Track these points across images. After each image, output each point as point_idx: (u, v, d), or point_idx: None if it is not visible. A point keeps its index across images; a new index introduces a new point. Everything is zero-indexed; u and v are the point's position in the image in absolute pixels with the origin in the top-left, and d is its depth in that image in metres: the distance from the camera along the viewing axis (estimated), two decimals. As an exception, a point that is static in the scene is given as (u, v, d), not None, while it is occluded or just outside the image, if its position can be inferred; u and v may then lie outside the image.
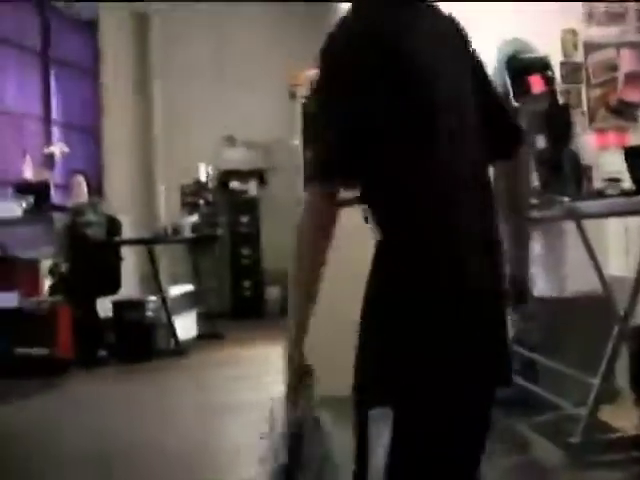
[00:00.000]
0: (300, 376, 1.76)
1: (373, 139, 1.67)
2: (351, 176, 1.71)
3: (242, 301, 10.91)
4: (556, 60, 5.59)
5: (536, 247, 4.44)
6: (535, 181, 4.20)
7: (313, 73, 5.46)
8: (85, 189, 7.97)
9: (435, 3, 1.88)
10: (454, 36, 1.87)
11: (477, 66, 1.90)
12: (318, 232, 1.71)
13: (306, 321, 1.74)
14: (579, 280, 4.42)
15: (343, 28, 1.75)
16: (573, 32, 6.27)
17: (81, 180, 7.98)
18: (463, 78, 1.80)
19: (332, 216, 1.71)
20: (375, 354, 1.69)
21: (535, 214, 3.91)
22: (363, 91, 1.66)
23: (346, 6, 1.81)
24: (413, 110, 1.68)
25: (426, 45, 1.73)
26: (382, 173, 1.69)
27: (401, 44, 1.68)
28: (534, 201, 3.94)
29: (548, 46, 5.50)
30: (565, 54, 6.23)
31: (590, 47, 6.36)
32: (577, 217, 3.85)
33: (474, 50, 1.90)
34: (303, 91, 5.37)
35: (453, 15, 1.91)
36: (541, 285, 4.63)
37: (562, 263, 4.61)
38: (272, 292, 10.80)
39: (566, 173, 4.14)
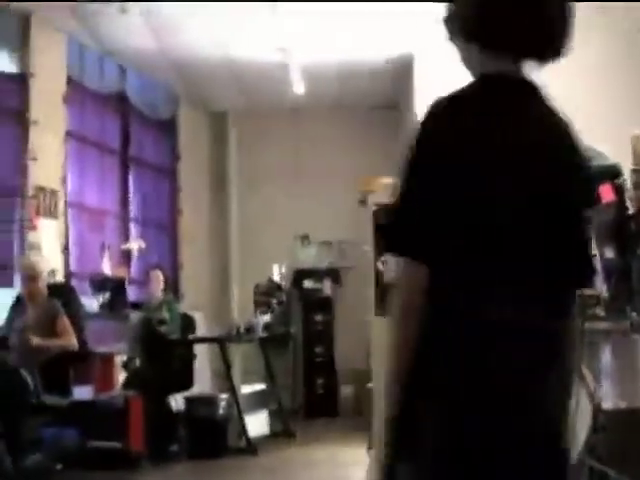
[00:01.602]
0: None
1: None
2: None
3: (315, 399, 10.77)
4: (627, 167, 5.51)
5: (605, 358, 4.32)
6: (603, 292, 4.10)
7: (385, 182, 5.49)
8: (162, 284, 8.05)
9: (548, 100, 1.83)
10: (551, 148, 1.78)
11: (571, 192, 1.81)
12: (411, 304, 1.72)
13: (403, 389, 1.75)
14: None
15: (445, 103, 1.75)
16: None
17: (159, 275, 8.07)
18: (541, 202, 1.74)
19: (422, 288, 1.71)
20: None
21: (604, 326, 3.83)
22: (432, 180, 1.69)
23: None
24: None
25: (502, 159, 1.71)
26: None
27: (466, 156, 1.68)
28: (602, 313, 3.87)
29: (619, 153, 5.42)
30: (636, 161, 6.10)
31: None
32: None
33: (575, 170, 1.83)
34: (375, 198, 5.37)
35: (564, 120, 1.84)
36: (611, 396, 4.48)
37: (634, 374, 4.46)
38: (345, 391, 10.67)
39: (634, 284, 4.04)
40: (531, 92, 1.81)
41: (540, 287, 1.73)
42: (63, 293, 6.68)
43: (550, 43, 1.78)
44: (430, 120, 1.74)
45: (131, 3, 7.75)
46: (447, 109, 1.73)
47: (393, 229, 1.76)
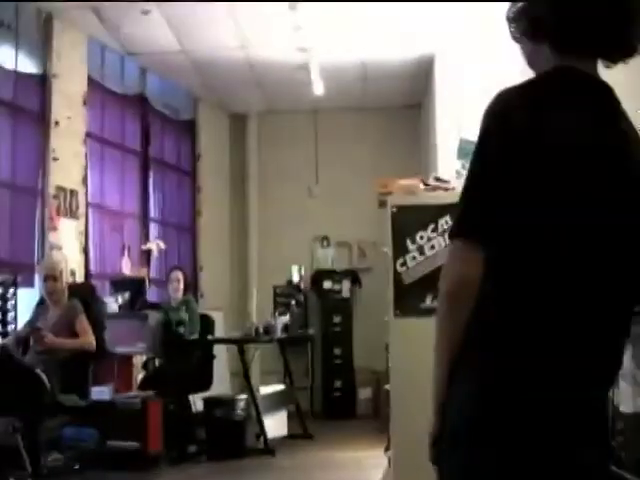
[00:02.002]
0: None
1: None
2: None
3: (333, 401, 10.76)
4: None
5: (625, 362, 4.27)
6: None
7: (404, 183, 5.46)
8: (182, 285, 8.07)
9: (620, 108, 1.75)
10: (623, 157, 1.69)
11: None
12: (463, 285, 1.63)
13: (446, 380, 1.68)
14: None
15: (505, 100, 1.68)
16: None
17: (180, 276, 8.08)
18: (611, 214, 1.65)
19: (475, 275, 1.62)
20: None
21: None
22: (503, 162, 1.62)
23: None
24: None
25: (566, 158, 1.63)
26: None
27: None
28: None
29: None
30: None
31: None
32: None
33: None
34: (393, 200, 5.35)
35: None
36: (630, 400, 4.44)
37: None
38: (364, 392, 10.66)
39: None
40: (606, 91, 1.74)
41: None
42: (84, 293, 6.71)
43: (628, 42, 1.72)
44: (500, 107, 1.66)
45: (152, 4, 7.78)
46: (519, 98, 1.66)
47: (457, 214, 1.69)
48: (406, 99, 10.93)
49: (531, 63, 1.82)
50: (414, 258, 5.15)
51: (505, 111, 1.64)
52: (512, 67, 4.84)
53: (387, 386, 5.39)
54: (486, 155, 1.65)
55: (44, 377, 5.84)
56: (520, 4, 1.78)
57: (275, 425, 8.36)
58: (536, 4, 1.74)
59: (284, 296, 11.07)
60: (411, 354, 4.84)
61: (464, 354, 1.65)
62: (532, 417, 1.57)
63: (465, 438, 1.61)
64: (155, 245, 9.52)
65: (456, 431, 1.63)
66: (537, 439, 1.56)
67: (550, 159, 1.60)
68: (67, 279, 6.74)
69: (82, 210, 8.27)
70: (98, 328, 6.46)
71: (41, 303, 6.66)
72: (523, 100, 1.65)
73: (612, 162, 1.65)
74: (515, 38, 1.82)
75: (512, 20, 1.80)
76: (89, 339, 6.31)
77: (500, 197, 1.60)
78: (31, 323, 6.41)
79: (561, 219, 1.60)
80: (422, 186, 5.40)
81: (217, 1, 7.62)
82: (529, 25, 1.76)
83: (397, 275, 5.17)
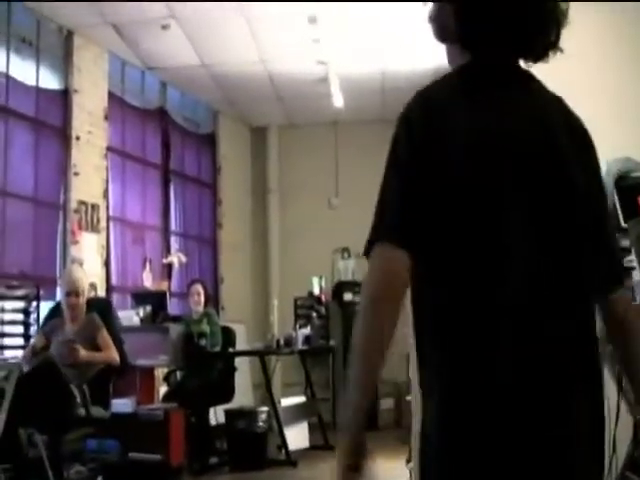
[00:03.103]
0: (355, 458, 1.59)
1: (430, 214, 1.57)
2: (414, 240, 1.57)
3: (355, 413, 10.72)
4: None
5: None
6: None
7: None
8: (203, 298, 8.09)
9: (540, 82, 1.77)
10: (562, 129, 1.69)
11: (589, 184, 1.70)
12: (386, 289, 1.54)
13: (366, 396, 1.59)
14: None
15: (421, 95, 1.67)
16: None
17: (200, 289, 8.11)
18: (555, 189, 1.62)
19: (401, 273, 1.54)
20: None
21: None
22: (415, 164, 1.61)
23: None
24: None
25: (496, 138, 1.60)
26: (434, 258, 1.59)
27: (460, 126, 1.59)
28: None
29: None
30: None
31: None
32: None
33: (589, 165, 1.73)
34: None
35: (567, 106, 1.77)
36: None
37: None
38: (385, 403, 10.64)
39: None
40: (525, 78, 1.75)
41: (553, 302, 1.58)
42: (101, 308, 6.72)
43: (531, 42, 1.73)
44: (411, 112, 1.65)
45: (172, 20, 7.85)
46: (428, 97, 1.65)
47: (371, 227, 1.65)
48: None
49: (450, 62, 1.82)
50: (433, 268, 5.15)
51: (422, 113, 1.63)
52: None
53: (408, 397, 5.39)
54: (397, 160, 1.69)
55: (76, 390, 5.86)
56: (431, 6, 1.81)
57: (297, 437, 8.37)
58: (442, 12, 1.77)
59: (305, 308, 11.10)
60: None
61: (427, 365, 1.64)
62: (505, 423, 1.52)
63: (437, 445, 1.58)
64: (176, 258, 9.56)
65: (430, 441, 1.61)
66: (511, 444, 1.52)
67: (470, 147, 1.58)
68: (87, 294, 6.75)
69: (103, 224, 8.34)
70: (118, 342, 6.48)
71: (52, 315, 6.63)
72: (439, 95, 1.65)
73: (535, 140, 1.64)
74: (435, 38, 1.84)
75: (429, 21, 1.83)
76: (114, 354, 6.32)
77: (416, 196, 1.59)
78: (46, 335, 6.39)
79: (490, 205, 1.57)
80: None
81: (229, 1, 7.54)
82: (439, 29, 1.80)
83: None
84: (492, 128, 1.60)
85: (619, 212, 4.73)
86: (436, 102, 1.63)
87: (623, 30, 5.34)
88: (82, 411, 5.96)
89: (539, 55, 1.75)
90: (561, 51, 1.75)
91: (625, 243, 4.32)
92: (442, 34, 1.80)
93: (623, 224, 4.54)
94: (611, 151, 4.99)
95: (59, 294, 7.41)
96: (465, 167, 1.56)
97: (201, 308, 8.05)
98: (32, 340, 6.64)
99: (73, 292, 6.33)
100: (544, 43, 1.73)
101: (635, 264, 4.01)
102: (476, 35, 1.71)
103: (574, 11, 1.79)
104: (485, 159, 1.57)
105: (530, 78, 1.75)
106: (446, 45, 1.82)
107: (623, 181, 4.97)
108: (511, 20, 1.69)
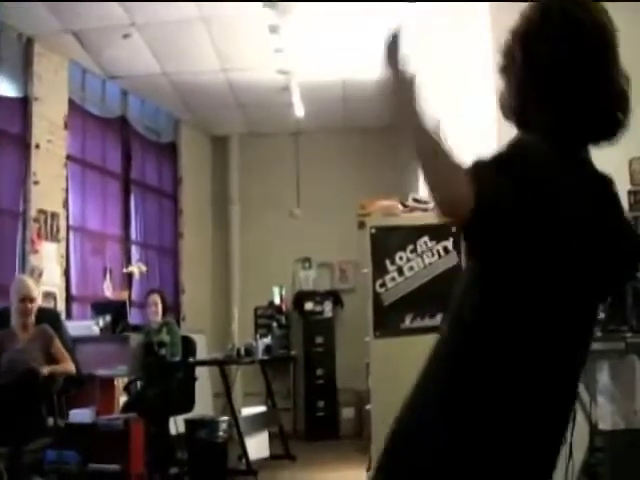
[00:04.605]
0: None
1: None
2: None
3: (316, 422, 10.75)
4: (624, 189, 5.47)
5: (602, 378, 4.33)
6: (600, 313, 4.11)
7: (383, 204, 5.51)
8: (161, 308, 8.05)
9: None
10: (607, 207, 1.79)
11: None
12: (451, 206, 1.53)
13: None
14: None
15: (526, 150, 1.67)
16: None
17: (157, 299, 8.06)
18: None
19: (462, 215, 1.52)
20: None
21: (600, 346, 3.85)
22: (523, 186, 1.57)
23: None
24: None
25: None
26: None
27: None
28: (598, 334, 3.88)
29: (616, 175, 5.38)
30: (633, 182, 6.06)
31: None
32: (639, 352, 3.79)
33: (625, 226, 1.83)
34: (372, 221, 5.40)
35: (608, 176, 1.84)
36: (608, 417, 4.49)
37: (631, 395, 4.47)
38: (347, 413, 10.67)
39: (629, 306, 4.05)
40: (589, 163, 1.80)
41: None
42: (50, 318, 6.63)
43: (613, 124, 1.75)
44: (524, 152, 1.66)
45: (133, 28, 7.83)
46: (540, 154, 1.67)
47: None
48: (387, 120, 10.95)
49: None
50: (393, 279, 5.19)
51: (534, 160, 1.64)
52: (486, 90, 4.91)
53: (368, 406, 5.42)
54: (513, 175, 1.58)
55: (43, 404, 5.82)
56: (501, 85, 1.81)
57: (257, 446, 8.37)
58: (520, 96, 1.76)
59: (266, 317, 11.12)
60: (391, 374, 4.87)
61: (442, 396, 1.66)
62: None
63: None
64: (137, 268, 9.51)
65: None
66: None
67: (563, 224, 1.63)
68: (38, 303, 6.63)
69: (63, 233, 8.28)
70: (70, 352, 6.43)
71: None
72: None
73: (608, 238, 1.72)
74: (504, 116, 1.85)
75: (499, 101, 1.83)
76: (71, 364, 6.28)
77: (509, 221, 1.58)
78: None
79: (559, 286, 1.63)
80: (400, 207, 5.45)
81: (191, 1, 7.52)
82: (514, 115, 1.79)
83: (377, 296, 5.21)
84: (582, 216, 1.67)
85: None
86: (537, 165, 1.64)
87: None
88: (50, 421, 5.93)
89: (611, 137, 1.78)
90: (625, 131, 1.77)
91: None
92: (517, 122, 1.79)
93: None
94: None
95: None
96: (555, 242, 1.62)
97: (159, 318, 8.00)
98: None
99: (27, 298, 6.26)
100: (617, 123, 1.75)
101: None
102: (567, 131, 1.72)
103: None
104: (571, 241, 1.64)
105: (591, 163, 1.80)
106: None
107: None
108: (600, 108, 1.71)
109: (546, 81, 1.70)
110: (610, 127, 1.74)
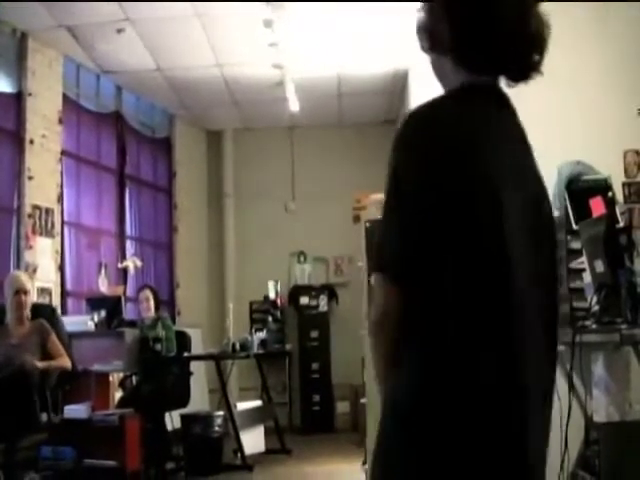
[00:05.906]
0: None
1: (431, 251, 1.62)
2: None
3: (311, 416, 10.77)
4: (619, 181, 5.49)
5: (597, 370, 4.34)
6: (594, 305, 4.12)
7: (378, 198, 5.51)
8: (152, 303, 8.03)
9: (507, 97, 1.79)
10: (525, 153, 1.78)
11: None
12: (385, 317, 1.70)
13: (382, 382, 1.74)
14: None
15: (418, 119, 1.70)
16: (637, 153, 6.14)
17: (149, 295, 8.04)
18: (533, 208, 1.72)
19: (397, 301, 1.68)
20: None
21: (595, 338, 3.85)
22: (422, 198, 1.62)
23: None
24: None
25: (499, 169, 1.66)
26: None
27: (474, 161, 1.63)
28: (593, 325, 3.89)
29: (610, 167, 5.39)
30: (628, 174, 6.07)
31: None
32: (634, 344, 3.79)
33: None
34: (367, 215, 5.40)
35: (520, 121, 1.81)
36: (603, 409, 4.50)
37: (626, 387, 4.48)
38: (342, 406, 10.68)
39: (624, 297, 4.06)
40: (506, 104, 1.78)
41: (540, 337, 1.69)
42: (46, 314, 6.62)
43: (527, 61, 1.74)
44: (411, 130, 1.69)
45: (127, 23, 7.82)
46: (427, 120, 1.68)
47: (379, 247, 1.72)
48: (382, 114, 11.01)
49: (436, 73, 1.84)
50: (388, 273, 5.18)
51: (416, 137, 1.67)
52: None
53: (363, 400, 5.43)
54: (398, 192, 1.66)
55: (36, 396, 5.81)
56: (421, 17, 1.80)
57: (253, 441, 8.37)
58: (437, 18, 1.76)
59: (261, 312, 11.13)
60: (386, 368, 4.87)
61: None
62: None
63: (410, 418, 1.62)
64: (131, 263, 9.51)
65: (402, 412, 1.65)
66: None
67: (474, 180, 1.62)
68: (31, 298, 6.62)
69: (58, 228, 8.27)
70: (66, 348, 6.43)
71: None
72: (434, 120, 1.68)
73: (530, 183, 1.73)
74: (422, 48, 1.84)
75: (418, 31, 1.82)
76: (67, 360, 6.28)
77: (414, 232, 1.63)
78: None
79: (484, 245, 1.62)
80: (395, 201, 5.44)
81: (185, 1, 7.52)
82: (429, 39, 1.79)
83: (371, 290, 5.21)
84: (490, 163, 1.65)
85: (570, 214, 4.82)
86: (436, 129, 1.66)
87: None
88: (44, 417, 5.92)
89: (525, 76, 1.77)
90: (541, 74, 1.77)
91: (576, 245, 4.41)
92: (431, 44, 1.80)
93: (574, 226, 4.63)
94: (561, 155, 5.10)
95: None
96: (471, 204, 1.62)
97: (151, 313, 7.98)
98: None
99: (21, 290, 6.26)
100: (532, 63, 1.75)
101: (585, 265, 4.08)
102: (472, 48, 1.72)
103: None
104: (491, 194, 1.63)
105: (509, 102, 1.80)
106: (432, 56, 1.83)
107: (574, 184, 5.06)
108: (509, 35, 1.70)
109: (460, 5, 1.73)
110: (523, 61, 1.74)
